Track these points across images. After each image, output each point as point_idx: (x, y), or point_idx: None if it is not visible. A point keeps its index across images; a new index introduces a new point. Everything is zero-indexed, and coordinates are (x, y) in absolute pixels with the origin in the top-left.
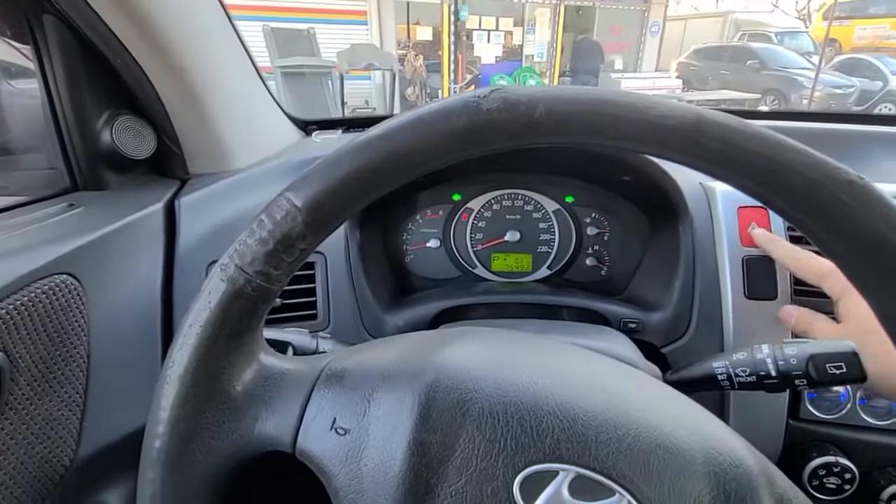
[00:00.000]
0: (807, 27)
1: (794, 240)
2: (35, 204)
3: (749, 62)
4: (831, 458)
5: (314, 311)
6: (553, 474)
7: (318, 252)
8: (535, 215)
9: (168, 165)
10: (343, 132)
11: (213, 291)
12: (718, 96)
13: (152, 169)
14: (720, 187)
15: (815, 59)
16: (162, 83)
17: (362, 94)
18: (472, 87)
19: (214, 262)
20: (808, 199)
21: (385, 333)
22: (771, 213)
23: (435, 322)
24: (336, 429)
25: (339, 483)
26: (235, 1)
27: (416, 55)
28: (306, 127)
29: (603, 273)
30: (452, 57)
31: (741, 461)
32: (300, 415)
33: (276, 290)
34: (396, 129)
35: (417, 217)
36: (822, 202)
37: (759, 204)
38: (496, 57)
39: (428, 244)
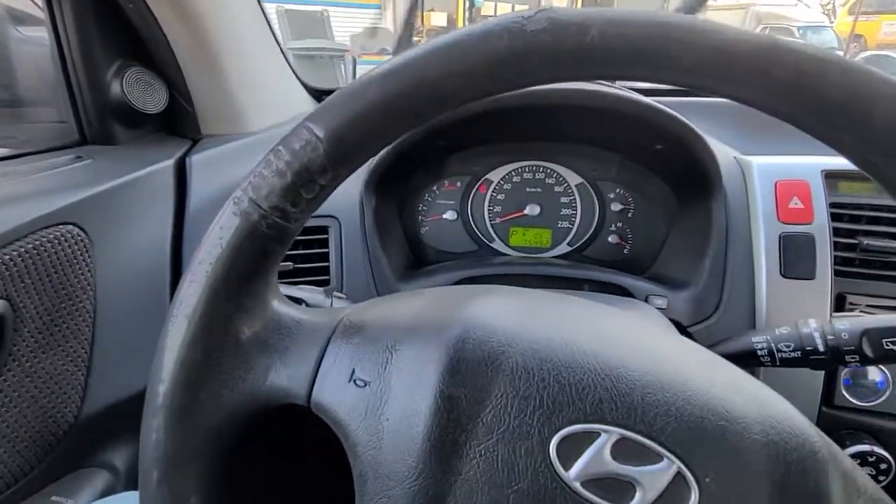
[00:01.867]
0: (831, 22)
1: (835, 217)
2: (41, 154)
3: None
4: (866, 447)
5: (327, 277)
6: (594, 436)
7: (331, 216)
8: (556, 189)
9: (180, 124)
10: None
11: (226, 227)
12: None
13: (164, 127)
14: (757, 161)
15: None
16: (175, 33)
17: None
18: None
19: None
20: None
21: None
22: (812, 187)
23: None
24: (355, 380)
25: (357, 438)
26: None
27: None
28: (320, 96)
29: (626, 251)
30: None
31: (803, 432)
32: (316, 366)
33: (294, 231)
34: (429, 52)
35: (434, 187)
36: None
37: (799, 178)
38: None
39: (444, 216)
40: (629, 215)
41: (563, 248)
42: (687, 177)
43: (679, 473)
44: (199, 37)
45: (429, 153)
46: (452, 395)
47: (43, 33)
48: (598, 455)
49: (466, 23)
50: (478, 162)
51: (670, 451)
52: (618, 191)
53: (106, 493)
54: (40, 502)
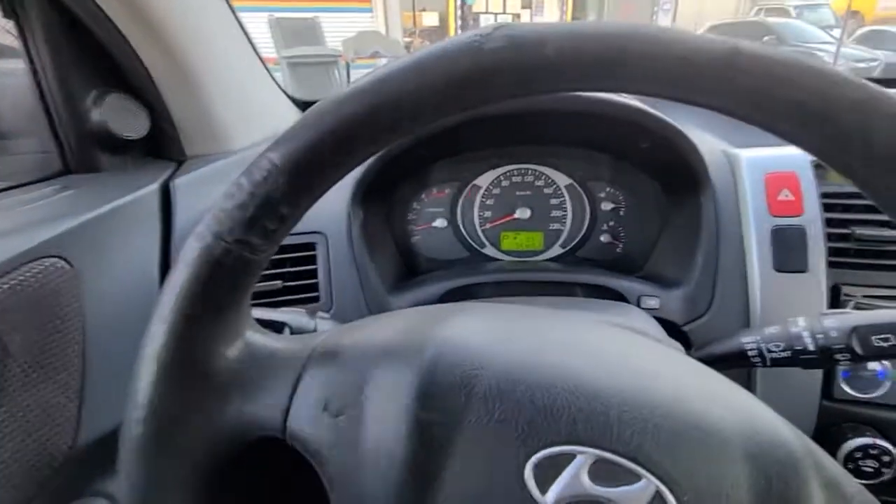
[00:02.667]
0: None
1: (827, 208)
2: (25, 187)
3: (766, 38)
4: (868, 440)
5: (316, 294)
6: (570, 457)
7: (318, 231)
8: (545, 191)
9: (164, 147)
10: None
11: (190, 263)
12: None
13: (148, 151)
14: (745, 154)
15: (837, 32)
16: (150, 56)
17: None
18: None
19: None
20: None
21: None
22: (802, 178)
23: (441, 303)
24: (329, 410)
25: (333, 468)
26: None
27: (422, 42)
28: (305, 108)
29: (618, 250)
30: None
31: (783, 442)
32: (289, 396)
33: (261, 262)
34: (387, 76)
35: (423, 196)
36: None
37: (788, 170)
38: None
39: (434, 224)
40: (620, 214)
41: (556, 251)
42: (675, 173)
43: (658, 493)
44: (175, 58)
45: (415, 162)
46: (426, 421)
47: (19, 64)
48: (575, 477)
49: (459, 21)
50: (465, 168)
51: (648, 469)
52: (608, 190)
53: None
54: None
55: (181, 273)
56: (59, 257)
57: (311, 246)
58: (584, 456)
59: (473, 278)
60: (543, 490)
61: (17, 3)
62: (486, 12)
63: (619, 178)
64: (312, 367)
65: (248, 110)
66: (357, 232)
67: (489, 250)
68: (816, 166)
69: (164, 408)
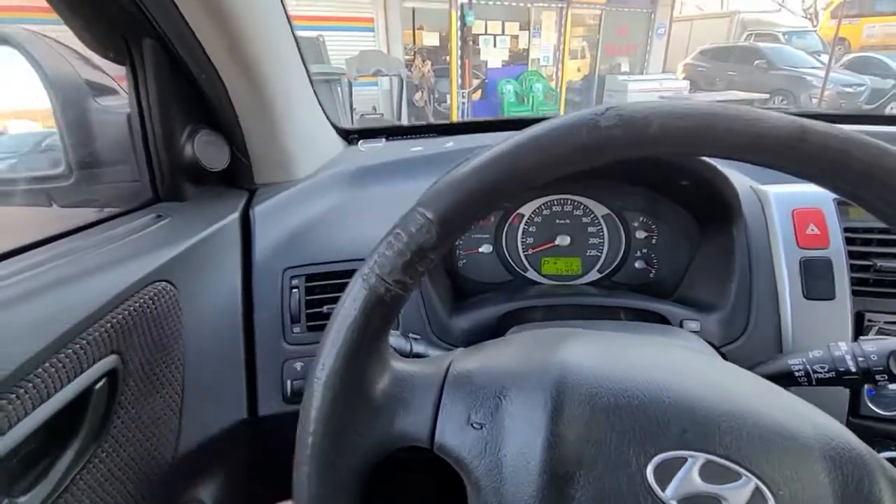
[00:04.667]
0: (814, 26)
1: (849, 241)
2: (124, 216)
3: (756, 62)
4: (893, 454)
5: None
6: (682, 461)
7: None
8: (584, 220)
9: (236, 176)
10: (387, 140)
11: (357, 299)
12: (726, 97)
13: (221, 180)
14: (773, 190)
15: (824, 57)
16: (240, 97)
17: (370, 100)
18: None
19: (290, 267)
20: None
21: (452, 336)
22: (826, 214)
23: (500, 324)
24: (472, 423)
25: (478, 473)
26: None
27: (423, 60)
28: (347, 136)
29: (651, 275)
30: (459, 62)
31: (854, 447)
32: (434, 412)
33: (408, 297)
34: (521, 146)
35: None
36: None
37: (814, 206)
38: (503, 61)
39: (480, 249)
40: (653, 242)
41: (594, 275)
42: (709, 207)
43: (757, 489)
44: (259, 96)
45: None
46: (559, 433)
47: (116, 102)
48: (688, 477)
49: (459, 42)
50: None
51: (748, 469)
52: (641, 219)
53: None
54: None
55: (349, 308)
56: (167, 281)
57: None
58: (694, 459)
59: (524, 303)
60: (663, 488)
61: (135, 50)
62: (486, 34)
63: (653, 208)
64: (451, 387)
65: (308, 140)
66: None
67: (531, 274)
68: (839, 203)
69: (333, 425)
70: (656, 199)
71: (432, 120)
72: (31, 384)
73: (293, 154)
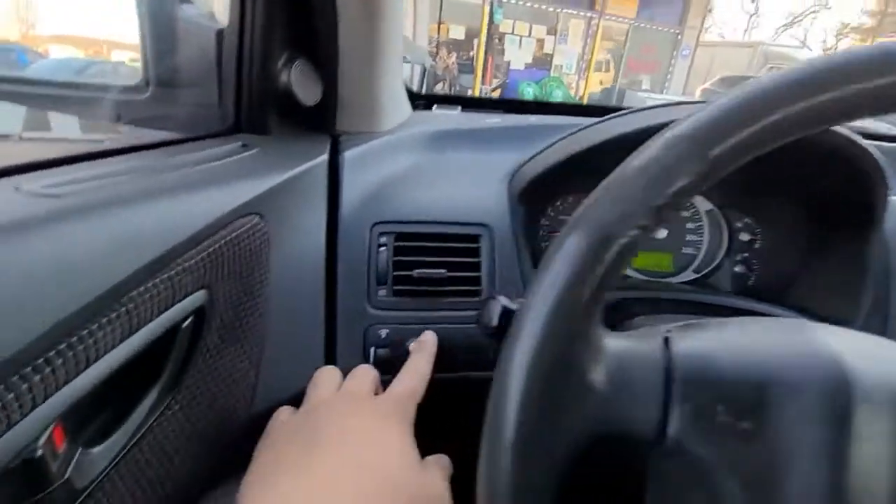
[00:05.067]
0: None
1: None
2: (204, 140)
3: None
4: None
5: (478, 289)
6: None
7: (483, 224)
8: (684, 213)
9: (318, 118)
10: (463, 110)
11: (592, 248)
12: None
13: (301, 121)
14: None
15: None
16: (348, 29)
17: None
18: (500, 91)
19: (379, 222)
20: None
21: None
22: None
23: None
24: (724, 422)
25: (733, 483)
26: None
27: (449, 52)
28: (413, 100)
29: (750, 282)
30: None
31: None
32: (664, 400)
33: (636, 251)
34: (818, 72)
35: (558, 203)
36: None
37: None
38: (525, 63)
39: None
40: (756, 245)
41: (689, 275)
42: (846, 212)
43: None
44: (369, 35)
45: (570, 168)
46: (854, 440)
47: (204, 18)
48: None
49: (486, 39)
50: (601, 179)
51: None
52: (746, 221)
53: None
54: None
55: (574, 255)
56: (259, 215)
57: (475, 238)
58: None
59: (624, 293)
60: None
61: None
62: (512, 33)
63: (762, 210)
64: (683, 372)
65: (392, 93)
66: (520, 228)
67: None
68: None
69: (542, 406)
70: (770, 198)
71: None
72: (116, 313)
73: (381, 104)
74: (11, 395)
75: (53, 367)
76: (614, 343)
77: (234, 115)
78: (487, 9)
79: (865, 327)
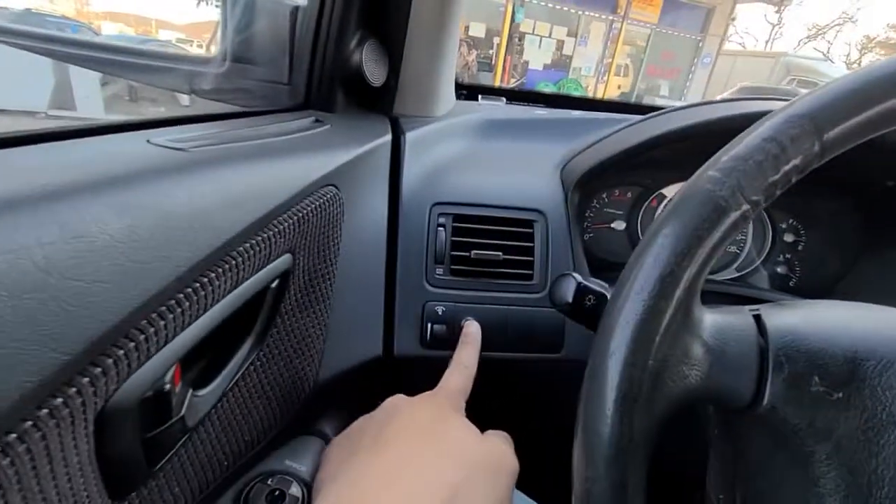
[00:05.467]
0: None
1: None
2: (276, 113)
3: None
4: None
5: (531, 272)
6: None
7: (538, 210)
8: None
9: (377, 99)
10: (507, 102)
11: (705, 218)
12: None
13: (360, 101)
14: None
15: None
16: (420, 12)
17: None
18: None
19: (439, 203)
20: None
21: None
22: None
23: None
24: (819, 390)
25: (827, 449)
26: None
27: (469, 49)
28: (458, 90)
29: (791, 283)
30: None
31: None
32: (759, 369)
33: (747, 224)
34: None
35: (604, 195)
36: None
37: None
38: (544, 64)
39: (612, 225)
40: (799, 248)
41: (731, 273)
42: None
43: None
44: (438, 21)
45: (621, 162)
46: None
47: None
48: None
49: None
50: (651, 175)
51: None
52: (791, 222)
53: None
54: (274, 465)
55: (686, 225)
56: (335, 187)
57: (530, 223)
58: None
59: None
60: None
61: None
62: (533, 33)
63: (809, 211)
64: (778, 343)
65: (447, 81)
66: (573, 216)
67: None
68: None
69: (649, 366)
70: (821, 199)
71: None
72: (226, 266)
73: (437, 90)
74: (143, 337)
75: (175, 313)
76: (710, 317)
77: (305, 92)
78: (510, 7)
79: None
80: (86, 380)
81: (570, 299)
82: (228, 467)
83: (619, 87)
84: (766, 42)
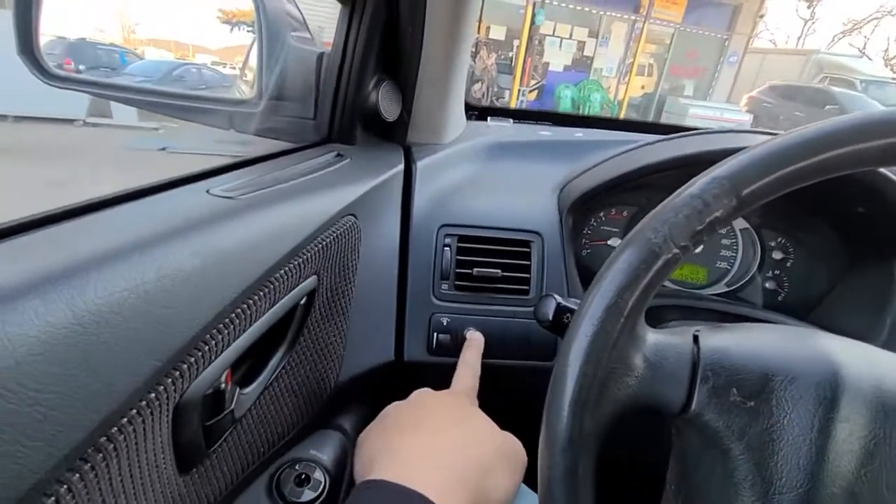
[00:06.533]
0: None
1: None
2: (305, 150)
3: (828, 107)
4: None
5: (527, 288)
6: None
7: (535, 232)
8: (720, 230)
9: (392, 131)
10: (515, 122)
11: (637, 259)
12: None
13: (378, 133)
14: None
15: None
16: (430, 55)
17: None
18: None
19: (445, 225)
20: None
21: None
22: None
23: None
24: (736, 400)
25: (739, 448)
26: None
27: (489, 53)
28: (468, 111)
29: (780, 298)
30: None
31: None
32: (690, 382)
33: (679, 265)
34: (841, 134)
35: (601, 214)
36: None
37: None
38: (565, 66)
39: (608, 241)
40: (788, 264)
41: (720, 288)
42: (876, 238)
43: None
44: (446, 60)
45: (614, 187)
46: (835, 425)
47: (307, 43)
48: None
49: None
50: (646, 195)
51: None
52: (780, 240)
53: (341, 452)
54: (300, 454)
55: (628, 265)
56: (354, 216)
57: (527, 243)
58: None
59: (660, 300)
60: None
61: None
62: (553, 35)
63: (796, 231)
64: (708, 360)
65: (457, 108)
66: (568, 237)
67: None
68: None
69: (598, 377)
70: (804, 220)
71: None
72: (265, 290)
73: (447, 119)
74: (207, 347)
75: (229, 329)
76: (653, 336)
77: (328, 126)
78: (530, 10)
79: (886, 346)
80: (169, 380)
81: (550, 317)
82: (264, 453)
83: (642, 87)
84: (798, 38)
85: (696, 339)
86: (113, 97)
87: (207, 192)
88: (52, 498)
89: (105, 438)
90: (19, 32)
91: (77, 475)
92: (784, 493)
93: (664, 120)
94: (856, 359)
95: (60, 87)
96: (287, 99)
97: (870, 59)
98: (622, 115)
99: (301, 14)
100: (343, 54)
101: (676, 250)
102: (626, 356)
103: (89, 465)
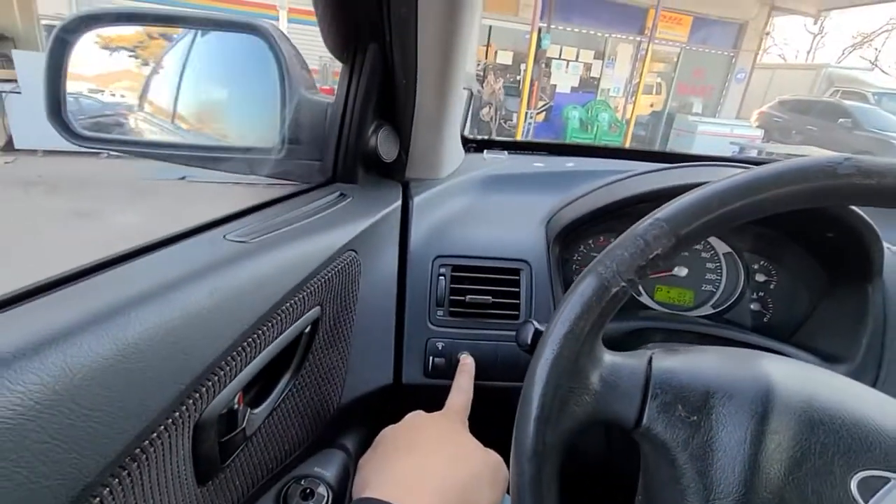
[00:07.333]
0: None
1: None
2: (312, 191)
3: (840, 120)
4: None
5: (517, 313)
6: (885, 480)
7: (524, 260)
8: (703, 255)
9: (392, 169)
10: (509, 153)
11: (590, 291)
12: (802, 152)
13: (379, 171)
14: None
15: None
16: (424, 100)
17: None
18: (545, 114)
19: (441, 256)
20: None
21: None
22: None
23: (624, 339)
24: (681, 415)
25: (684, 458)
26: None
27: (496, 77)
28: (465, 143)
29: (765, 319)
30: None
31: None
32: (642, 399)
33: (628, 297)
34: (763, 179)
35: (590, 241)
36: None
37: None
38: (572, 87)
39: None
40: (771, 287)
41: (706, 310)
42: (847, 262)
43: None
44: (440, 105)
45: (598, 217)
46: (766, 436)
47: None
48: (891, 496)
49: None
50: (631, 223)
51: None
52: (762, 263)
53: (343, 470)
54: (306, 470)
55: (583, 298)
56: (355, 251)
57: (517, 272)
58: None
59: (645, 323)
60: (865, 501)
61: (360, 53)
62: (559, 58)
63: (777, 254)
64: (658, 380)
65: (453, 145)
66: (554, 266)
67: (644, 299)
68: None
69: (558, 396)
70: (784, 245)
71: (495, 136)
72: (273, 321)
73: (442, 155)
74: (223, 372)
75: (242, 356)
76: (610, 358)
77: (333, 167)
78: (534, 35)
79: (862, 364)
80: (190, 401)
81: (529, 341)
82: (273, 469)
83: (651, 105)
84: (808, 53)
85: (650, 360)
86: (141, 153)
87: (224, 237)
88: (98, 499)
89: (139, 450)
90: (49, 99)
91: (116, 480)
92: (722, 499)
93: (674, 137)
94: (790, 378)
95: (88, 148)
96: (301, 144)
97: (884, 71)
98: (630, 133)
99: (310, 74)
100: (345, 104)
101: (624, 283)
102: (584, 377)
103: (126, 472)
